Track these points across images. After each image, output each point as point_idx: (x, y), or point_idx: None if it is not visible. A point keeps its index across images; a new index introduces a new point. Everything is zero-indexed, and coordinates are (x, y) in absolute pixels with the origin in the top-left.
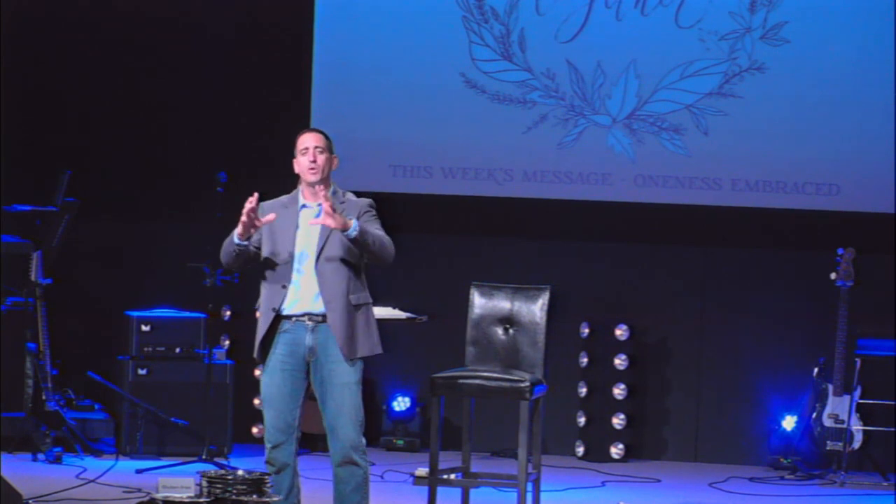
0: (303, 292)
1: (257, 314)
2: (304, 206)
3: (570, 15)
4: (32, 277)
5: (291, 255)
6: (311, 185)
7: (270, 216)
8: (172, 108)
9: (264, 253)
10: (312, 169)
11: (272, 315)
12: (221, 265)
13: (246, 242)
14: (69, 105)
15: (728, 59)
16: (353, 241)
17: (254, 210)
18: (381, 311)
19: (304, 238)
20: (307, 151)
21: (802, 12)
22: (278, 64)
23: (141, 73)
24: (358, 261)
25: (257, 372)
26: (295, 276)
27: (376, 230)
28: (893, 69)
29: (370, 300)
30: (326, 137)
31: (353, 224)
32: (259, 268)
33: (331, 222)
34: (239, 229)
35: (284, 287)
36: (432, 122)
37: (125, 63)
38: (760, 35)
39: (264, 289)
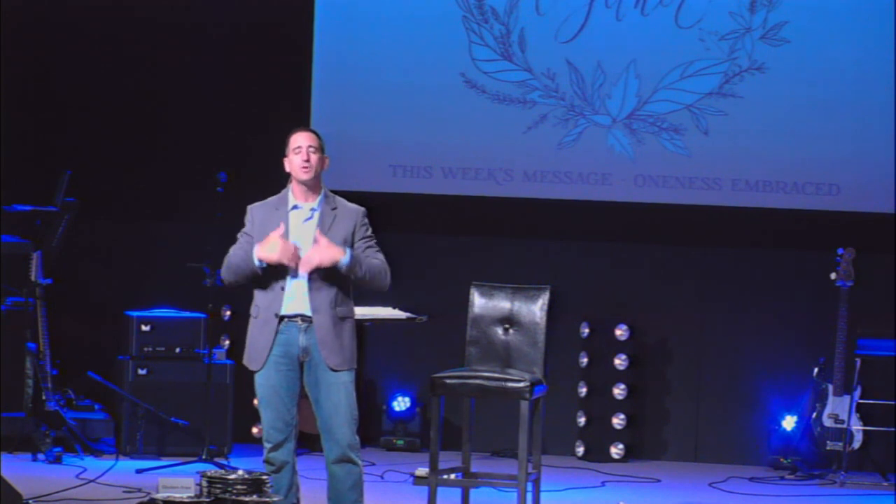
0: (295, 294)
1: (252, 318)
2: (294, 206)
3: (570, 15)
4: (32, 277)
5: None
6: (303, 183)
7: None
8: (172, 108)
9: None
10: (305, 167)
11: (276, 321)
12: (223, 278)
13: (264, 265)
14: (69, 105)
15: (728, 59)
16: (344, 271)
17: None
18: (381, 311)
19: (296, 239)
20: (300, 150)
21: (802, 12)
22: (278, 64)
23: (141, 73)
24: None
25: None
26: (289, 278)
27: (373, 258)
28: (893, 69)
29: (353, 314)
30: (319, 137)
31: (346, 256)
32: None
33: (318, 259)
34: (267, 255)
35: (283, 290)
36: (432, 122)
37: (125, 63)
38: (760, 35)
39: (261, 292)
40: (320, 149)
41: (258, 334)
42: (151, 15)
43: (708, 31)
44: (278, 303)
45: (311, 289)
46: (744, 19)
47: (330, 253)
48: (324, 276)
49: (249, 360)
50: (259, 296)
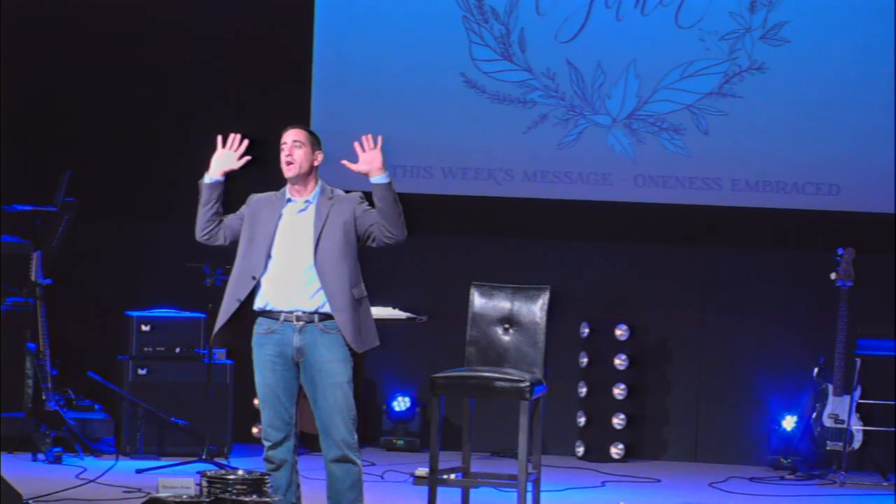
0: (289, 286)
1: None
2: (289, 199)
3: (570, 15)
4: (32, 277)
5: (269, 248)
6: (291, 179)
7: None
8: (172, 107)
9: (241, 242)
10: (287, 163)
11: (236, 305)
12: (197, 236)
13: (209, 181)
14: (69, 105)
15: (728, 59)
16: (384, 189)
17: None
18: (381, 311)
19: (289, 231)
20: (284, 147)
21: (802, 12)
22: (278, 64)
23: (141, 73)
24: (356, 253)
25: None
26: (276, 269)
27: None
28: (893, 69)
29: (366, 293)
30: (309, 133)
31: (386, 172)
32: (233, 258)
33: (362, 166)
34: (213, 166)
35: (254, 278)
36: (432, 122)
37: (125, 63)
38: (760, 35)
39: (232, 278)
40: (308, 144)
41: (220, 316)
42: (151, 15)
43: (708, 31)
44: (243, 290)
45: (323, 277)
46: (744, 19)
47: (378, 156)
48: (333, 260)
49: (212, 336)
50: (230, 280)
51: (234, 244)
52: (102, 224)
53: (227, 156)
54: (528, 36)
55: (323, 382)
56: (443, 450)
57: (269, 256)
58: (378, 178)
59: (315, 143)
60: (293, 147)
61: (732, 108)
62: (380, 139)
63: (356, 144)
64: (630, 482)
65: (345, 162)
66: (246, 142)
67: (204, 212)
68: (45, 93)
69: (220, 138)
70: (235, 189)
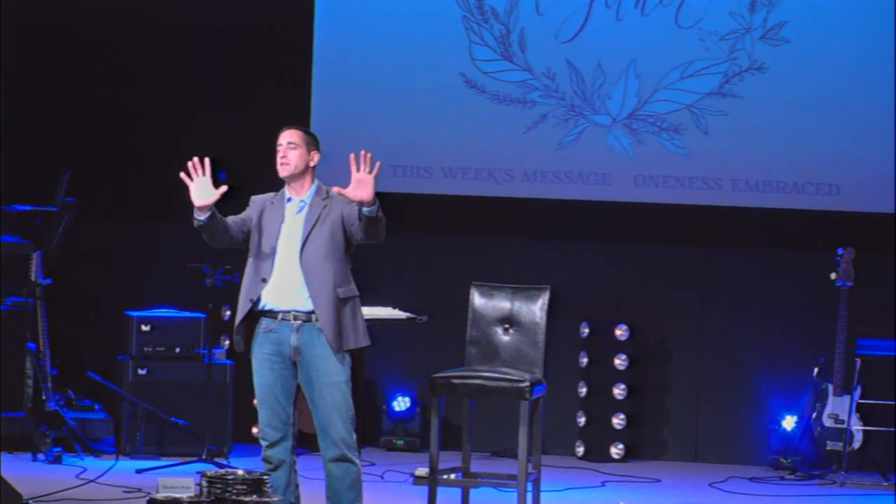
0: (287, 286)
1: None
2: (289, 199)
3: (570, 15)
4: (32, 277)
5: (274, 249)
6: (287, 179)
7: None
8: (172, 107)
9: (251, 246)
10: (281, 164)
11: (248, 305)
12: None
13: (203, 218)
14: (69, 105)
15: (728, 59)
16: (371, 219)
17: (195, 169)
18: (381, 311)
19: (288, 234)
20: (280, 147)
21: (802, 12)
22: (278, 64)
23: (141, 72)
24: (344, 253)
25: None
26: (278, 269)
27: None
28: (893, 69)
29: (356, 293)
30: (305, 133)
31: (376, 203)
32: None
33: (357, 192)
34: (194, 201)
35: (265, 280)
36: (432, 122)
37: (125, 63)
38: (760, 35)
39: (245, 281)
40: (303, 144)
41: (237, 318)
42: (151, 15)
43: (708, 31)
44: (256, 291)
45: (308, 276)
46: (744, 19)
47: (370, 186)
48: (320, 259)
49: (233, 341)
50: (243, 283)
51: (248, 237)
52: (102, 224)
53: (202, 188)
54: (528, 36)
55: (320, 382)
56: (443, 450)
57: (274, 258)
58: (367, 209)
59: (311, 143)
60: (287, 149)
61: (732, 108)
62: (377, 165)
63: (351, 158)
64: (630, 482)
65: (337, 189)
66: (207, 160)
67: (212, 237)
68: (45, 93)
69: (182, 175)
70: (238, 192)
